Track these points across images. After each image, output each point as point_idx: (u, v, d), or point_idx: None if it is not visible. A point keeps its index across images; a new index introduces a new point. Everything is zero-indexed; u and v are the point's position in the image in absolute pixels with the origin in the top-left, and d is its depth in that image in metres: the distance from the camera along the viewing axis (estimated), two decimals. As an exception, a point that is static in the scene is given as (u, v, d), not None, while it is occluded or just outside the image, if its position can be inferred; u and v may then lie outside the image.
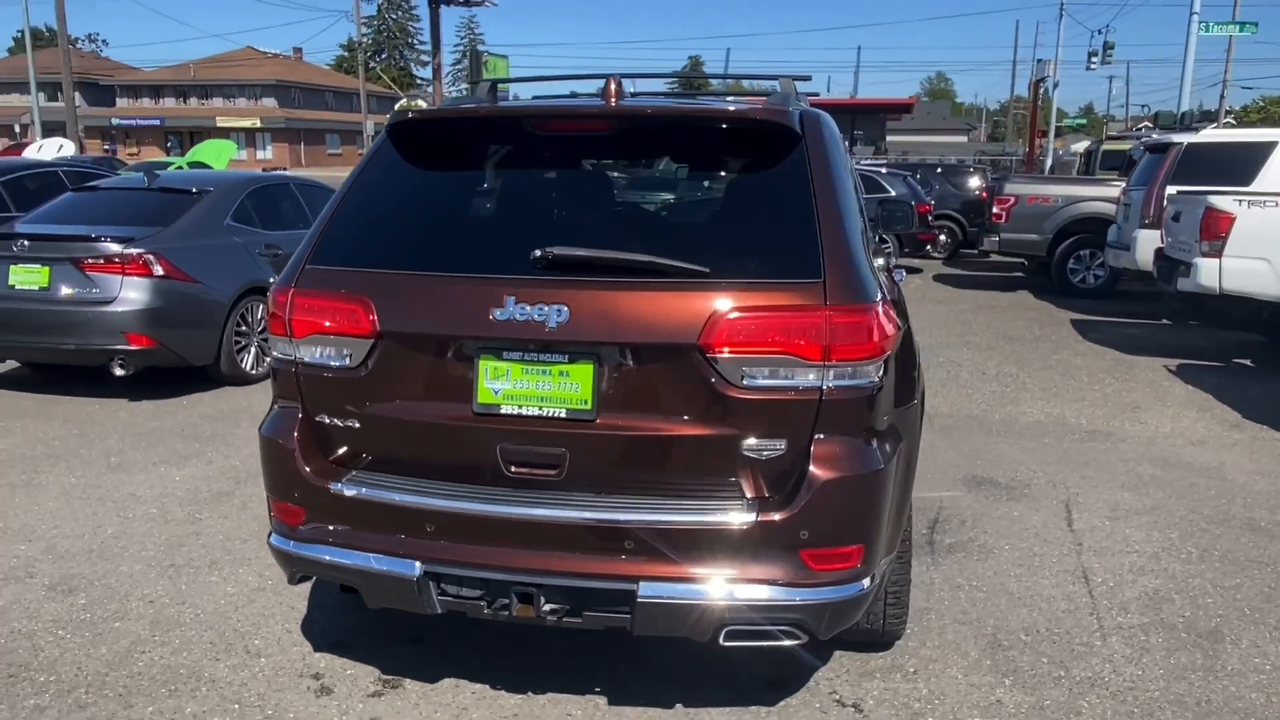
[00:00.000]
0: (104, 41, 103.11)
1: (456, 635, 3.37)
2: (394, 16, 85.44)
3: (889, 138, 38.72)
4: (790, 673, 3.20)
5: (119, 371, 6.43)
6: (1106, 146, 18.62)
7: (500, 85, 3.32)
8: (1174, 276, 8.43)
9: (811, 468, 2.53)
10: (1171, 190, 9.76)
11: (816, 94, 3.95)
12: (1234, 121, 34.28)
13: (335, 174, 29.08)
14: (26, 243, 6.42)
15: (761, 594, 2.54)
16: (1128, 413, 6.68)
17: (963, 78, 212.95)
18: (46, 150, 26.92)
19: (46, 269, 6.38)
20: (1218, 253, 7.78)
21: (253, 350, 7.14)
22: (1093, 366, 8.21)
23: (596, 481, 2.63)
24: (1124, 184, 11.80)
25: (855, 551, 2.59)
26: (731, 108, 2.93)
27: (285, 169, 44.47)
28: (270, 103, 62.44)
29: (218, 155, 20.38)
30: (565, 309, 2.51)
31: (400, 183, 2.96)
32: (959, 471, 5.34)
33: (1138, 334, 9.89)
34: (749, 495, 2.59)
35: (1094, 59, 36.61)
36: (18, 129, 48.84)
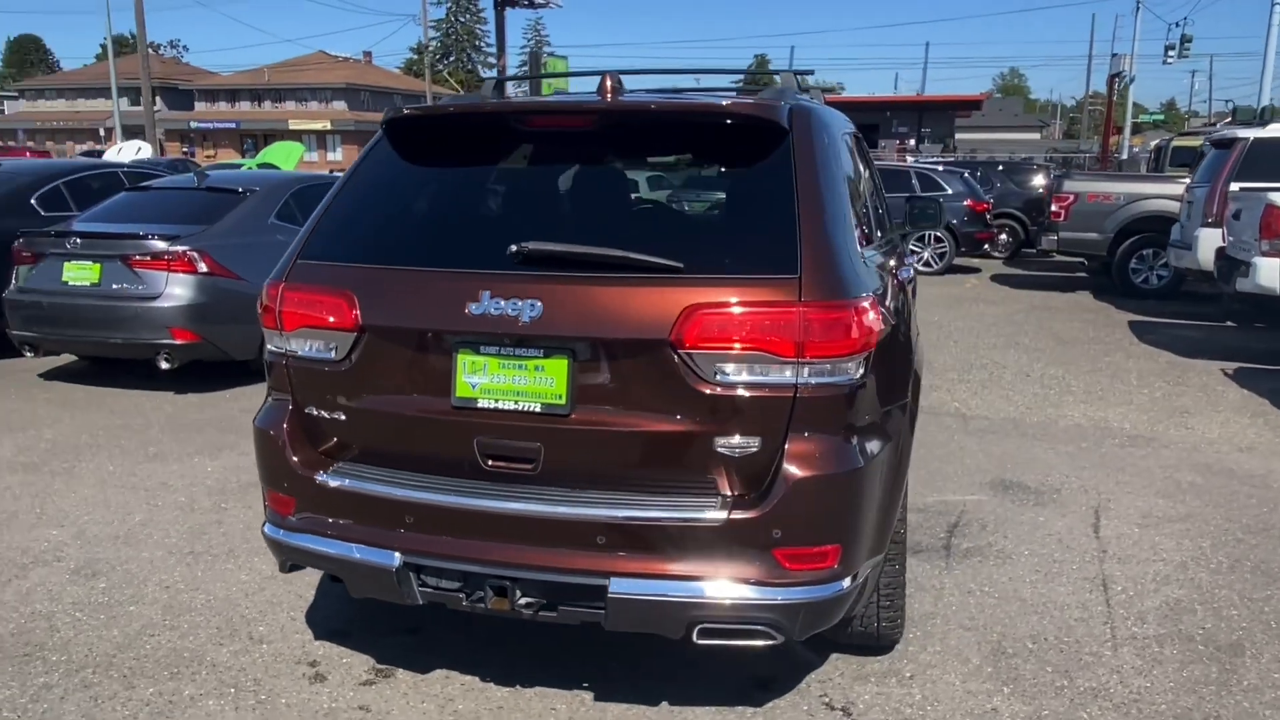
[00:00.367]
0: (184, 47, 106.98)
1: (453, 627, 3.41)
2: (462, 19, 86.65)
3: (958, 135, 38.07)
4: (782, 673, 3.16)
5: (164, 365, 6.64)
6: (1177, 142, 17.99)
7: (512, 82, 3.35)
8: (1233, 276, 8.11)
9: (785, 465, 2.50)
10: (1235, 188, 9.40)
11: (833, 89, 3.91)
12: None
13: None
14: (79, 240, 6.68)
15: (733, 592, 2.51)
16: (1175, 417, 6.45)
17: (1037, 74, 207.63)
18: (125, 153, 27.95)
19: (98, 265, 6.62)
20: (1278, 252, 7.46)
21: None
22: (1144, 369, 7.94)
23: (572, 476, 2.63)
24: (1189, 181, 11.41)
25: (832, 551, 2.55)
26: (720, 102, 2.90)
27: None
28: (340, 106, 63.82)
29: (286, 157, 20.87)
30: (539, 304, 2.52)
31: (391, 178, 3.00)
32: (987, 475, 5.21)
33: (1197, 336, 9.54)
34: (723, 492, 2.57)
35: (1171, 53, 35.41)
36: (102, 132, 50.86)
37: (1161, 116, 59.37)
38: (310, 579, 3.78)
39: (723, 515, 2.50)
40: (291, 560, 2.95)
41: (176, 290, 6.54)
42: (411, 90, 68.52)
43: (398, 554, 2.69)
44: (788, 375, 2.46)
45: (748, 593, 2.51)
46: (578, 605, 2.60)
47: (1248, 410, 6.63)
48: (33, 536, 4.28)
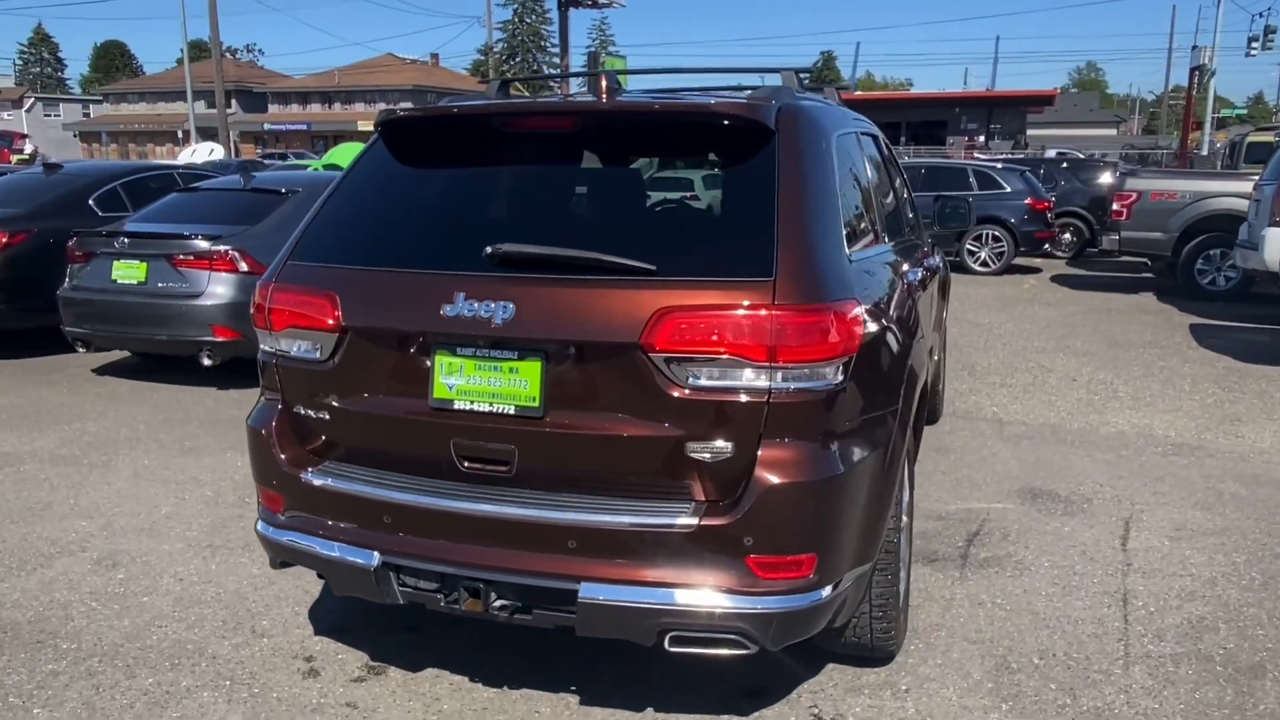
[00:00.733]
0: (260, 51, 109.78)
1: (451, 626, 3.42)
2: (528, 20, 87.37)
3: (1030, 131, 37.13)
4: (773, 683, 3.11)
5: (206, 362, 6.82)
6: (1252, 138, 17.25)
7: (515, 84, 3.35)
8: (1298, 277, 7.73)
9: (759, 471, 2.45)
10: (1306, 185, 8.96)
11: (846, 87, 3.82)
12: None
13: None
14: (127, 240, 6.91)
15: (704, 600, 2.47)
16: (1225, 425, 6.18)
17: (1115, 67, 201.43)
18: (199, 154, 28.84)
19: (144, 264, 6.83)
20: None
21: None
22: (1199, 374, 7.64)
23: (545, 479, 2.62)
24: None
25: (807, 560, 2.49)
26: (707, 102, 2.86)
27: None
28: (408, 107, 64.97)
29: (349, 158, 21.31)
30: (511, 305, 2.51)
31: (383, 180, 3.03)
32: (1016, 482, 5.06)
33: (1262, 341, 9.14)
34: (696, 498, 2.53)
35: (1254, 45, 34.00)
36: (180, 134, 52.54)
37: (1245, 111, 57.10)
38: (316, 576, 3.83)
39: (694, 521, 2.46)
40: (281, 557, 3.00)
41: (218, 289, 6.71)
42: (478, 91, 69.41)
43: (377, 554, 2.71)
44: (761, 380, 2.41)
45: (720, 600, 2.47)
46: (551, 609, 2.59)
47: (1306, 419, 6.33)
48: (63, 527, 4.43)
